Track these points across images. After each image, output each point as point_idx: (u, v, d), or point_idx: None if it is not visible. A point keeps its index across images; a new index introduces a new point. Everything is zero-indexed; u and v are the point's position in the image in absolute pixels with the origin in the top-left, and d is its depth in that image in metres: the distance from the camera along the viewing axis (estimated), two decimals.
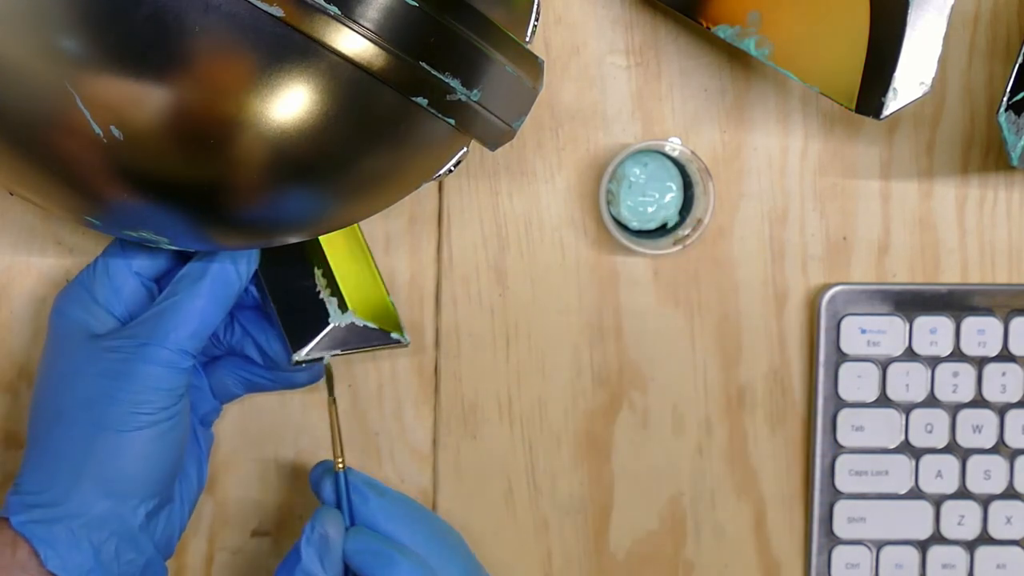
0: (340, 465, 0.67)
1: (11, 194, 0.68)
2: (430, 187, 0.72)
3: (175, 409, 0.65)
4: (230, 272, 0.66)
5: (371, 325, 0.69)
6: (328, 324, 0.68)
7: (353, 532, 0.66)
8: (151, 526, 0.65)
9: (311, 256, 0.69)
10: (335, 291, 0.69)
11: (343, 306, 0.68)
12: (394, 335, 0.69)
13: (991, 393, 0.74)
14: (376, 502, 0.67)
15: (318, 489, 0.68)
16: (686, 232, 0.72)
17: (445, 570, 0.66)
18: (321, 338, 0.68)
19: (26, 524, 0.63)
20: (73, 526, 0.63)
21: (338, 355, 0.68)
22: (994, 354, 0.74)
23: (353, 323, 0.68)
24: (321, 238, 0.68)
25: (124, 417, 0.64)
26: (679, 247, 0.71)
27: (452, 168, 0.64)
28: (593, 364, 0.74)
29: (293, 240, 0.65)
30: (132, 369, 0.64)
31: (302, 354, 0.67)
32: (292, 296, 0.68)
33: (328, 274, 0.69)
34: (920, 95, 0.67)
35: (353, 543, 0.65)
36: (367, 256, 0.70)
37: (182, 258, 0.68)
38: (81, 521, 0.63)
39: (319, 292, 0.68)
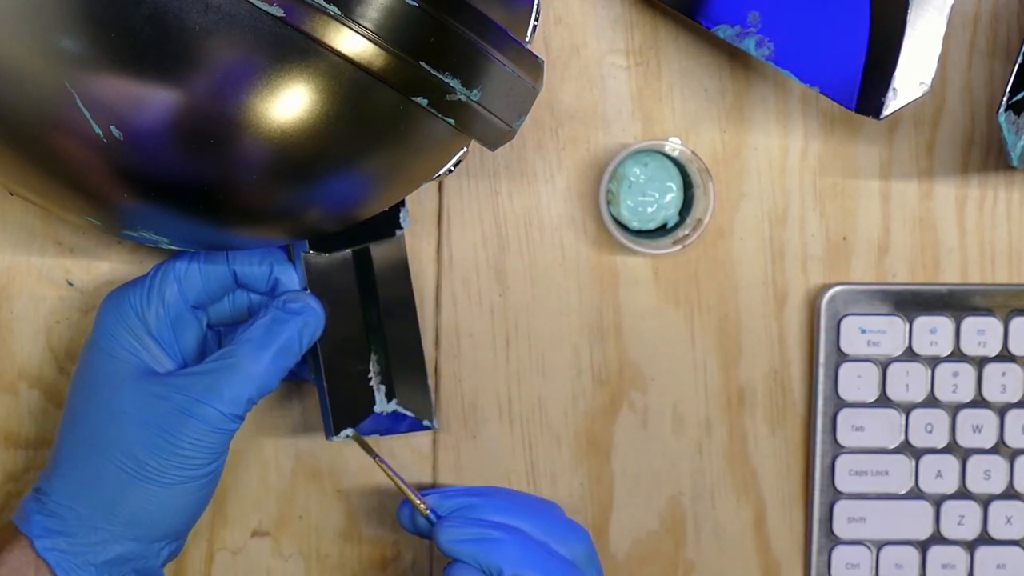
0: (423, 508, 0.67)
1: (11, 194, 0.68)
2: (430, 187, 0.72)
3: (215, 466, 0.65)
4: (294, 344, 0.65)
5: (409, 414, 0.70)
6: (372, 412, 0.69)
7: (444, 525, 0.65)
8: (169, 558, 0.66)
9: (372, 340, 0.69)
10: (386, 379, 0.69)
11: (391, 394, 0.69)
12: (425, 422, 0.70)
13: (991, 393, 0.74)
14: (470, 511, 0.67)
15: (417, 532, 0.68)
16: (686, 232, 0.72)
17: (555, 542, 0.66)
18: (357, 428, 0.69)
19: (51, 551, 0.63)
20: (97, 561, 0.63)
21: (354, 441, 0.69)
22: (994, 354, 0.74)
23: (396, 411, 0.69)
24: (385, 325, 0.69)
25: (165, 469, 0.63)
26: (679, 247, 0.71)
27: (452, 168, 0.64)
28: (593, 364, 0.74)
29: (292, 240, 0.65)
30: (182, 424, 0.63)
31: (340, 437, 0.68)
32: (344, 377, 0.69)
33: (384, 361, 0.69)
34: (920, 95, 0.67)
35: (446, 535, 0.65)
36: (420, 344, 0.70)
37: (235, 284, 0.68)
38: (105, 558, 0.64)
39: (371, 378, 0.69)
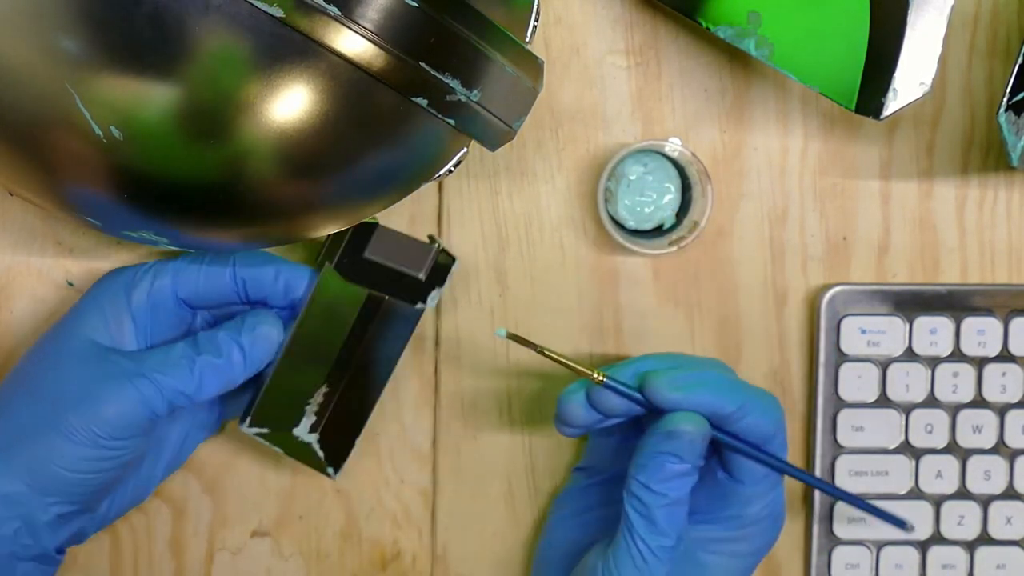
0: (598, 377, 0.65)
1: (11, 194, 0.68)
2: (430, 187, 0.72)
3: (127, 445, 0.65)
4: (238, 374, 0.66)
5: (319, 454, 0.70)
6: (291, 431, 0.69)
7: (657, 378, 0.64)
8: (59, 526, 0.65)
9: (331, 374, 0.69)
10: (319, 415, 0.70)
11: (314, 428, 0.70)
12: (328, 469, 0.70)
13: (991, 393, 0.74)
14: (652, 370, 0.66)
15: (596, 407, 0.66)
16: (682, 234, 0.72)
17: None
18: (270, 432, 0.69)
19: None
20: None
21: (260, 439, 0.69)
22: (994, 354, 0.74)
23: (310, 444, 0.70)
24: (352, 373, 0.70)
25: (78, 427, 0.63)
26: (674, 248, 0.71)
27: (452, 168, 0.64)
28: (593, 364, 0.74)
29: (291, 241, 0.65)
30: (116, 389, 0.64)
31: (245, 429, 0.68)
32: (288, 384, 0.68)
33: (330, 400, 0.70)
34: (920, 95, 0.67)
35: (668, 384, 0.64)
36: (370, 411, 0.71)
37: (239, 291, 0.68)
38: None
39: (308, 404, 0.69)
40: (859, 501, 0.69)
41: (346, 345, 0.69)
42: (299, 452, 0.70)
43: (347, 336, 0.69)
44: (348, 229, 0.68)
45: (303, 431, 0.69)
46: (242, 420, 0.69)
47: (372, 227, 0.68)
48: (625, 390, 0.65)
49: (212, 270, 0.67)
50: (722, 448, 0.66)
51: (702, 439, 0.64)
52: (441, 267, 0.69)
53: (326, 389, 0.69)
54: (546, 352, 0.65)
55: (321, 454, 0.70)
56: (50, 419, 0.63)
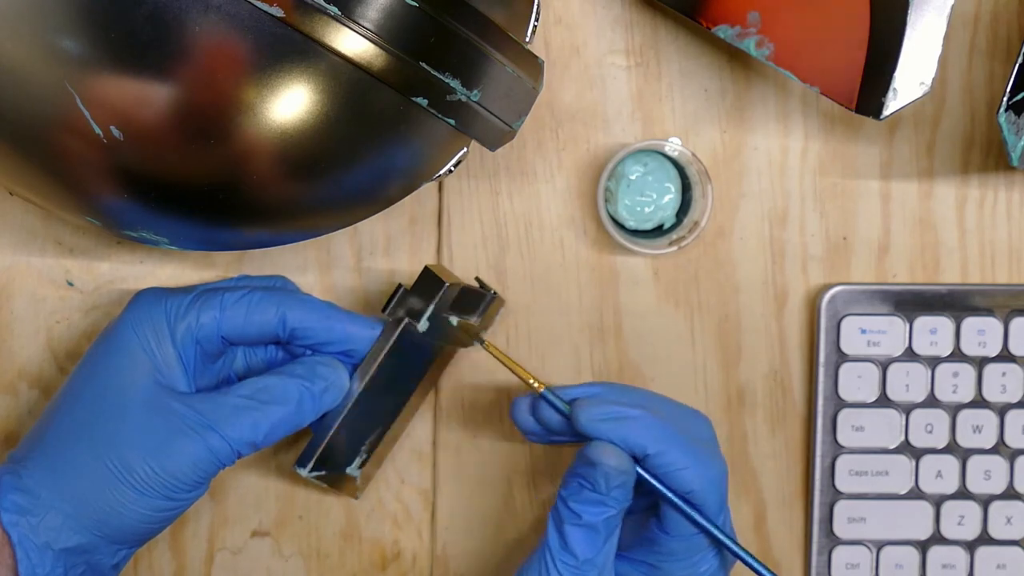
0: (536, 385, 0.65)
1: (11, 194, 0.68)
2: (430, 187, 0.72)
3: (197, 493, 0.65)
4: (311, 411, 0.66)
5: (358, 483, 0.71)
6: (344, 470, 0.70)
7: (583, 406, 0.64)
8: (122, 562, 0.66)
9: (385, 417, 0.70)
10: (369, 453, 0.71)
11: (363, 464, 0.71)
12: (359, 494, 0.71)
13: (991, 393, 0.74)
14: (591, 396, 0.65)
15: (534, 424, 0.66)
16: (682, 234, 0.72)
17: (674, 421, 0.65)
18: (327, 474, 0.69)
19: (15, 527, 0.62)
20: (56, 547, 0.63)
21: (314, 480, 0.70)
22: (994, 354, 0.74)
23: (355, 478, 0.71)
24: (401, 413, 0.71)
25: (150, 481, 0.63)
26: (674, 248, 0.71)
27: (452, 168, 0.64)
28: (593, 364, 0.74)
29: (291, 241, 0.65)
30: (186, 445, 0.63)
31: (305, 474, 0.69)
32: (349, 434, 0.69)
33: (378, 439, 0.71)
34: (920, 95, 0.67)
35: (586, 414, 0.63)
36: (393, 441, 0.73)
37: (281, 334, 0.67)
38: (65, 545, 0.63)
39: (364, 445, 0.70)
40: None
41: (411, 391, 0.71)
42: (340, 483, 0.70)
43: (414, 383, 0.70)
44: (424, 283, 0.68)
45: (354, 468, 0.70)
46: (301, 464, 0.68)
47: (437, 279, 0.68)
48: (558, 406, 0.65)
49: (257, 310, 0.66)
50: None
51: (618, 475, 0.63)
52: (492, 309, 0.70)
53: (381, 429, 0.70)
54: (492, 351, 0.67)
55: (359, 483, 0.71)
56: (120, 473, 0.63)
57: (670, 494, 0.63)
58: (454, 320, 0.68)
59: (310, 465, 0.68)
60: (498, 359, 0.67)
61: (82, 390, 0.65)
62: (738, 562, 0.66)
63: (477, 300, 0.68)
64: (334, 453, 0.69)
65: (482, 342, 0.68)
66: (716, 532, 0.64)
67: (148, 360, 0.64)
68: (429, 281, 0.68)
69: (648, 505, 0.66)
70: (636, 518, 0.66)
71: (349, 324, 0.67)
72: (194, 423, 0.63)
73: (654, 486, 0.64)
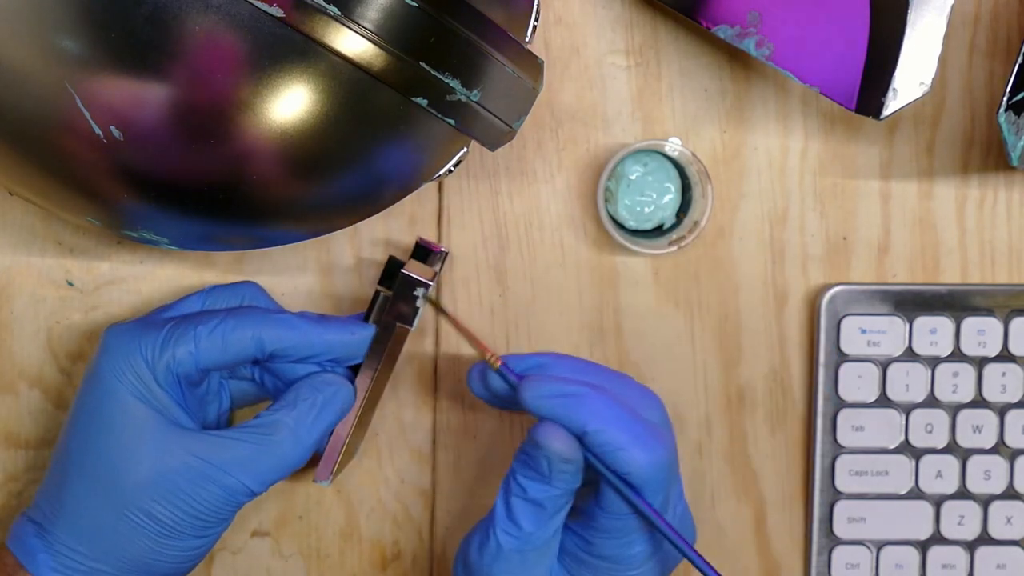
0: (494, 360, 0.65)
1: (11, 194, 0.68)
2: (430, 187, 0.72)
3: (221, 529, 0.65)
4: (327, 429, 0.66)
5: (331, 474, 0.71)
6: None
7: (528, 382, 0.63)
8: None
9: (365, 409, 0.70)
10: (358, 443, 0.72)
11: (354, 454, 0.72)
12: (323, 482, 0.70)
13: (991, 393, 0.74)
14: (546, 371, 0.65)
15: (488, 394, 0.66)
16: (682, 234, 0.72)
17: (626, 397, 0.65)
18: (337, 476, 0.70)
19: None
20: None
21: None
22: (994, 354, 0.74)
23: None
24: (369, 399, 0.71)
25: (179, 526, 0.63)
26: (674, 248, 0.71)
27: (452, 168, 0.64)
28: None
29: (291, 241, 0.65)
30: (203, 490, 0.63)
31: (326, 485, 0.69)
32: (355, 439, 0.70)
33: (365, 426, 0.71)
34: (920, 95, 0.67)
35: (531, 391, 0.63)
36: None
37: (260, 355, 0.66)
38: None
39: (361, 441, 0.71)
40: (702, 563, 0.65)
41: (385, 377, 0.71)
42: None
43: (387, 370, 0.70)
44: (402, 285, 0.68)
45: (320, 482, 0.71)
46: (322, 478, 0.69)
47: (412, 278, 0.68)
48: (511, 379, 0.65)
49: (233, 337, 0.65)
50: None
51: (560, 460, 0.62)
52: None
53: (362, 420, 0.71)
54: (450, 317, 0.67)
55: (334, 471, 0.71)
56: (146, 523, 0.63)
57: (607, 472, 0.63)
58: (420, 303, 0.68)
59: (332, 478, 0.69)
60: (459, 329, 0.66)
61: (88, 444, 0.64)
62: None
63: (433, 263, 0.69)
64: (345, 457, 0.69)
65: (441, 309, 0.68)
66: (649, 513, 0.63)
67: (143, 406, 0.63)
68: (404, 281, 0.68)
69: (594, 478, 0.65)
70: (583, 490, 0.66)
71: (326, 334, 0.66)
72: (207, 470, 0.63)
73: (592, 463, 0.63)
